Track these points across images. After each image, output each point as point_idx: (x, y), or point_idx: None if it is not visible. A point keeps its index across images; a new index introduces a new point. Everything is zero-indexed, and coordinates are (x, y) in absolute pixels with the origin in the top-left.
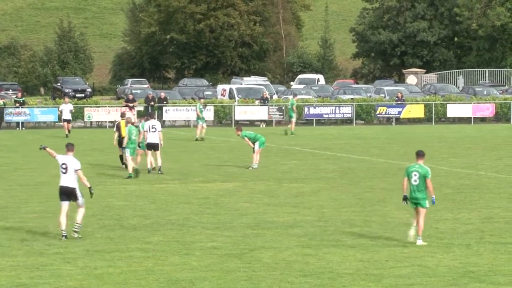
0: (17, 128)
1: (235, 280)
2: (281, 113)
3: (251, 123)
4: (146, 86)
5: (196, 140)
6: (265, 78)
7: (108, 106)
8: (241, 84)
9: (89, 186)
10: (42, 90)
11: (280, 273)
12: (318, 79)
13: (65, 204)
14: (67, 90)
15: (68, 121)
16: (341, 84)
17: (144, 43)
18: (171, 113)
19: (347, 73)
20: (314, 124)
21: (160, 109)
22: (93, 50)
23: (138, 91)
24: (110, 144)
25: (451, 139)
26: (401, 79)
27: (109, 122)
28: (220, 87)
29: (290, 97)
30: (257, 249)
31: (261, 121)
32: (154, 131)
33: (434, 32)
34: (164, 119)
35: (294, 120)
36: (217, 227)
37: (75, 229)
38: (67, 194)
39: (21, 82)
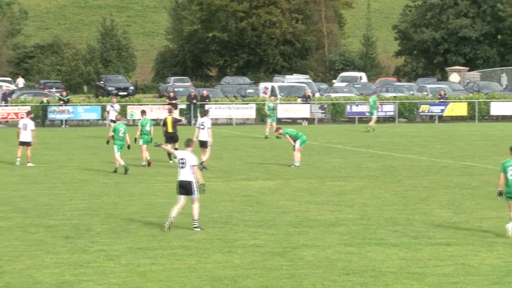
0: (61, 126)
1: (278, 278)
2: (323, 111)
3: (293, 121)
4: (188, 84)
5: (266, 138)
6: (307, 76)
7: (151, 104)
8: (283, 82)
9: (202, 182)
10: (85, 88)
11: (323, 271)
12: (361, 77)
13: (182, 198)
14: (110, 88)
15: (114, 122)
16: (384, 82)
17: (186, 41)
18: (213, 111)
19: (389, 71)
20: (356, 122)
21: (202, 107)
22: (135, 48)
23: (181, 89)
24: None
25: (494, 137)
26: (443, 77)
27: (151, 120)
28: (262, 85)
29: (371, 94)
30: (300, 247)
31: (303, 119)
32: (203, 129)
33: (476, 28)
34: (200, 118)
35: (375, 117)
36: (259, 225)
37: (195, 225)
38: (184, 187)
39: (64, 80)
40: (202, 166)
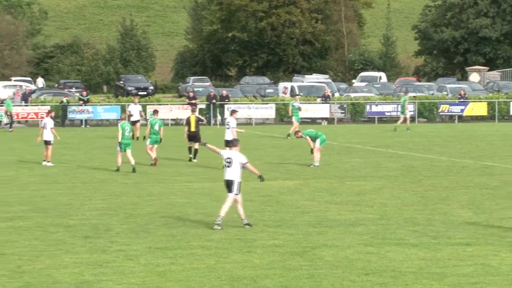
0: (81, 126)
1: (297, 278)
2: (343, 111)
3: (313, 121)
4: (208, 84)
5: (288, 136)
6: (327, 76)
7: (170, 104)
8: (302, 82)
9: (259, 174)
10: (104, 88)
11: (342, 271)
12: (380, 76)
13: (238, 196)
14: (129, 88)
15: (136, 122)
16: (403, 82)
17: (206, 41)
18: None
19: (409, 71)
20: (376, 122)
21: (221, 107)
22: (155, 48)
23: (200, 89)
24: (171, 142)
25: None
26: (463, 77)
27: (171, 120)
28: (281, 85)
29: (402, 94)
30: (319, 247)
31: (322, 119)
32: (228, 128)
33: (496, 28)
34: (225, 116)
35: (408, 116)
36: (278, 225)
37: (245, 222)
38: (227, 186)
39: (84, 80)
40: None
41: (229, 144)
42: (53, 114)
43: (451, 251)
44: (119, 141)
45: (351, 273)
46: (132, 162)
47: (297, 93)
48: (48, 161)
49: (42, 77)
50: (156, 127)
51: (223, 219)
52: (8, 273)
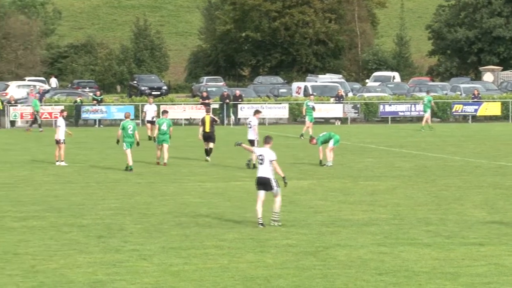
0: (94, 126)
1: (310, 277)
2: (356, 111)
3: (326, 121)
4: (221, 84)
5: (301, 136)
6: (340, 76)
7: (184, 104)
8: (316, 81)
9: (283, 175)
10: (118, 87)
11: (356, 271)
12: (394, 76)
13: (261, 193)
14: (143, 88)
15: (152, 122)
16: (417, 82)
17: (219, 41)
18: (246, 111)
19: (423, 70)
20: (389, 121)
21: (235, 106)
22: (169, 48)
23: (214, 89)
24: (185, 142)
25: None
26: (477, 77)
27: (184, 119)
28: (295, 84)
29: (425, 94)
30: (332, 247)
31: (336, 118)
32: (250, 127)
33: (510, 28)
34: (239, 116)
35: (428, 115)
36: (292, 224)
37: (274, 218)
38: (263, 184)
39: (97, 80)
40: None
41: (252, 143)
42: (65, 113)
43: (464, 251)
44: (118, 138)
45: (365, 273)
46: (130, 162)
47: (311, 93)
48: (62, 161)
49: (56, 77)
50: (164, 127)
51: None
52: (22, 273)
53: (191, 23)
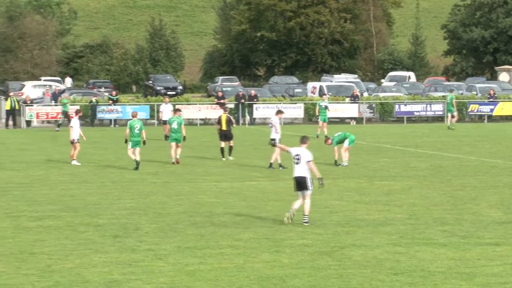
0: (110, 126)
1: (326, 277)
2: (372, 111)
3: (341, 121)
4: (236, 83)
5: (317, 137)
6: (356, 76)
7: (199, 104)
8: (331, 81)
9: (320, 177)
10: (133, 87)
11: (371, 271)
12: (409, 76)
13: (299, 193)
14: (158, 88)
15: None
16: (432, 82)
17: (234, 40)
18: (261, 111)
19: (438, 70)
20: (405, 121)
21: (250, 106)
22: (184, 48)
23: (229, 89)
24: (200, 141)
25: None
26: (493, 77)
27: (200, 119)
28: (310, 84)
29: (448, 93)
30: (348, 246)
31: (351, 118)
32: (271, 127)
33: None
34: (254, 116)
35: (455, 114)
36: (307, 225)
37: (304, 220)
38: (299, 183)
39: (113, 80)
40: (280, 166)
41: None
42: (80, 114)
43: (480, 251)
44: (126, 138)
45: (380, 273)
46: (138, 158)
47: (326, 92)
48: (73, 159)
49: (71, 77)
50: (175, 125)
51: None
52: (38, 272)
53: (206, 23)
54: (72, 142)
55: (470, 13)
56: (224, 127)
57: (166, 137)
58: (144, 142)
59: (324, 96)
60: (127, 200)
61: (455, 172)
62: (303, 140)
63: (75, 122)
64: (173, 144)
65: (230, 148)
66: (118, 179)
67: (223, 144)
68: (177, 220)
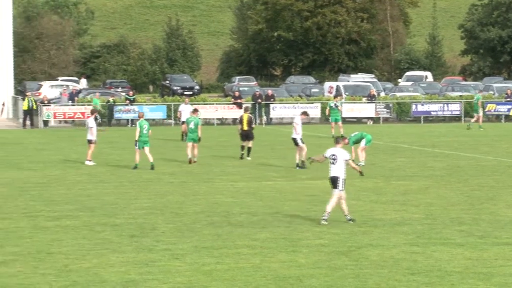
0: (127, 125)
1: (343, 277)
2: (389, 111)
3: (358, 121)
4: (253, 83)
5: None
6: (372, 75)
7: (216, 104)
8: (348, 81)
9: (359, 170)
10: (150, 87)
11: (388, 271)
12: (426, 76)
13: (336, 192)
14: (175, 88)
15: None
16: (449, 81)
17: (251, 40)
18: (278, 111)
19: (455, 70)
20: (422, 121)
21: (267, 106)
22: (201, 47)
23: (246, 89)
24: (217, 141)
25: None
26: (510, 76)
27: (217, 119)
28: (327, 84)
29: (476, 92)
30: (365, 246)
31: (368, 118)
32: (296, 125)
33: None
34: (271, 116)
35: (481, 114)
36: (324, 224)
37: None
38: (332, 182)
39: (130, 80)
40: (301, 165)
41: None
42: (95, 114)
43: (497, 251)
44: (136, 139)
45: (397, 273)
46: (151, 159)
47: (341, 93)
48: (89, 160)
49: (87, 77)
50: (192, 125)
51: (329, 214)
52: (55, 272)
53: (223, 23)
54: (90, 142)
55: (487, 13)
56: (245, 127)
57: (183, 136)
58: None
59: (337, 98)
60: (144, 200)
61: (472, 172)
62: (338, 140)
63: (92, 122)
64: (190, 144)
65: (248, 149)
66: (135, 179)
67: (244, 143)
68: (194, 220)
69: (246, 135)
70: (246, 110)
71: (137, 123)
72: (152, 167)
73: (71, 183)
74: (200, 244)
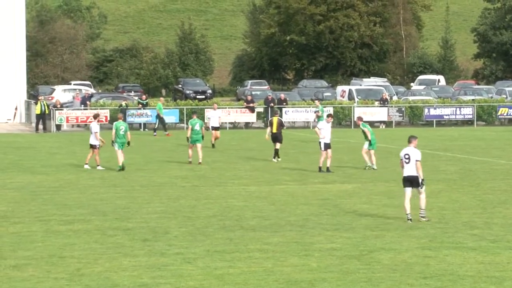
0: (139, 129)
1: (355, 281)
2: (401, 114)
3: (371, 124)
4: (265, 87)
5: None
6: (385, 79)
7: (228, 108)
8: (360, 85)
9: (422, 178)
10: (163, 91)
11: (400, 275)
12: (439, 80)
13: (408, 190)
14: (188, 92)
15: (216, 128)
16: (462, 85)
17: (264, 44)
18: (290, 114)
19: (468, 74)
20: (434, 125)
21: (279, 110)
22: (213, 51)
23: (258, 93)
24: (229, 145)
25: None
26: None
27: (229, 123)
28: (339, 88)
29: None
30: (377, 250)
31: (380, 122)
32: (320, 129)
33: None
34: (283, 120)
35: None
36: (336, 228)
37: (421, 215)
38: (410, 181)
39: (142, 84)
40: (320, 170)
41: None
42: (98, 118)
43: (510, 255)
44: (112, 139)
45: (409, 277)
46: (122, 160)
47: (355, 96)
48: (98, 165)
49: (100, 81)
50: (197, 127)
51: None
52: (67, 276)
53: (235, 27)
54: (94, 147)
55: (500, 17)
56: (275, 130)
57: (213, 145)
58: (128, 143)
59: (317, 101)
60: (157, 204)
61: (484, 175)
62: (410, 140)
63: (96, 126)
64: (199, 145)
65: (277, 151)
66: (147, 183)
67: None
68: (206, 224)
69: (275, 137)
70: (275, 113)
71: (114, 124)
72: (122, 169)
73: (83, 187)
74: (212, 248)
